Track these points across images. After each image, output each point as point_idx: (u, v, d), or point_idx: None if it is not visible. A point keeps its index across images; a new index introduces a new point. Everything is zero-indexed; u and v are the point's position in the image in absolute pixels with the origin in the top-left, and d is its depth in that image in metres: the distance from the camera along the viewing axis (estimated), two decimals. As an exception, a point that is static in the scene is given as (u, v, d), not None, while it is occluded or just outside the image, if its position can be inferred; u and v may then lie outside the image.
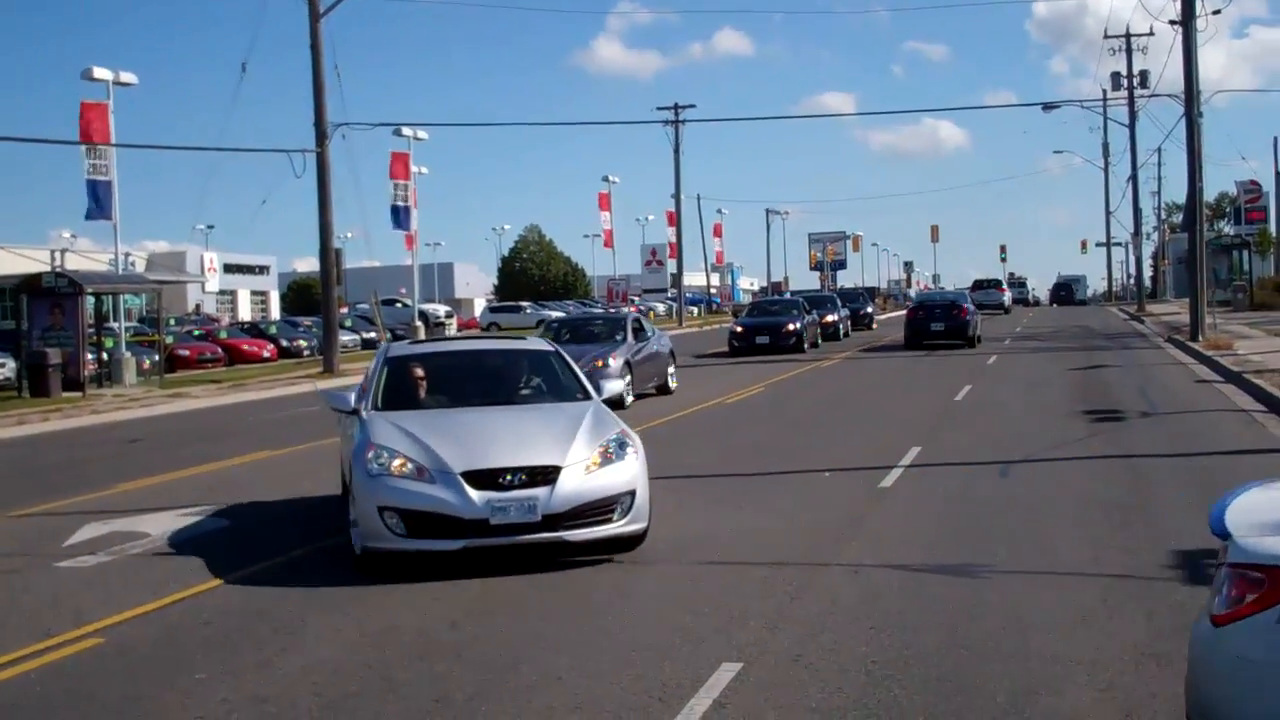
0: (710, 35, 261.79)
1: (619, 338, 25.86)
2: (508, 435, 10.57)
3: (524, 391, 12.45)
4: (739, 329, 41.96)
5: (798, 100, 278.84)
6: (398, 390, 11.94)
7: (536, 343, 13.87)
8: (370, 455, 10.20)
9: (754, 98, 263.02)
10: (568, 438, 10.44)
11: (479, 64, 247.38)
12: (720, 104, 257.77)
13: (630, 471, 10.37)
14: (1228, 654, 4.81)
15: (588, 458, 10.24)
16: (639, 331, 26.72)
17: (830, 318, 48.53)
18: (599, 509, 10.11)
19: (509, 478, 9.89)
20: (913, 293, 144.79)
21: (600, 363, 23.32)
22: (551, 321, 33.94)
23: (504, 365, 13.05)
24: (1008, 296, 79.90)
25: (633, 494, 10.28)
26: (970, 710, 6.54)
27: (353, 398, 12.09)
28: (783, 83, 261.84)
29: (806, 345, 40.83)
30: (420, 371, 12.28)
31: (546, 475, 9.95)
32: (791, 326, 40.74)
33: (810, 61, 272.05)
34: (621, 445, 10.57)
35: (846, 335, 50.43)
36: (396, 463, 10.08)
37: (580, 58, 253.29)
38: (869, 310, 62.18)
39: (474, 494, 9.76)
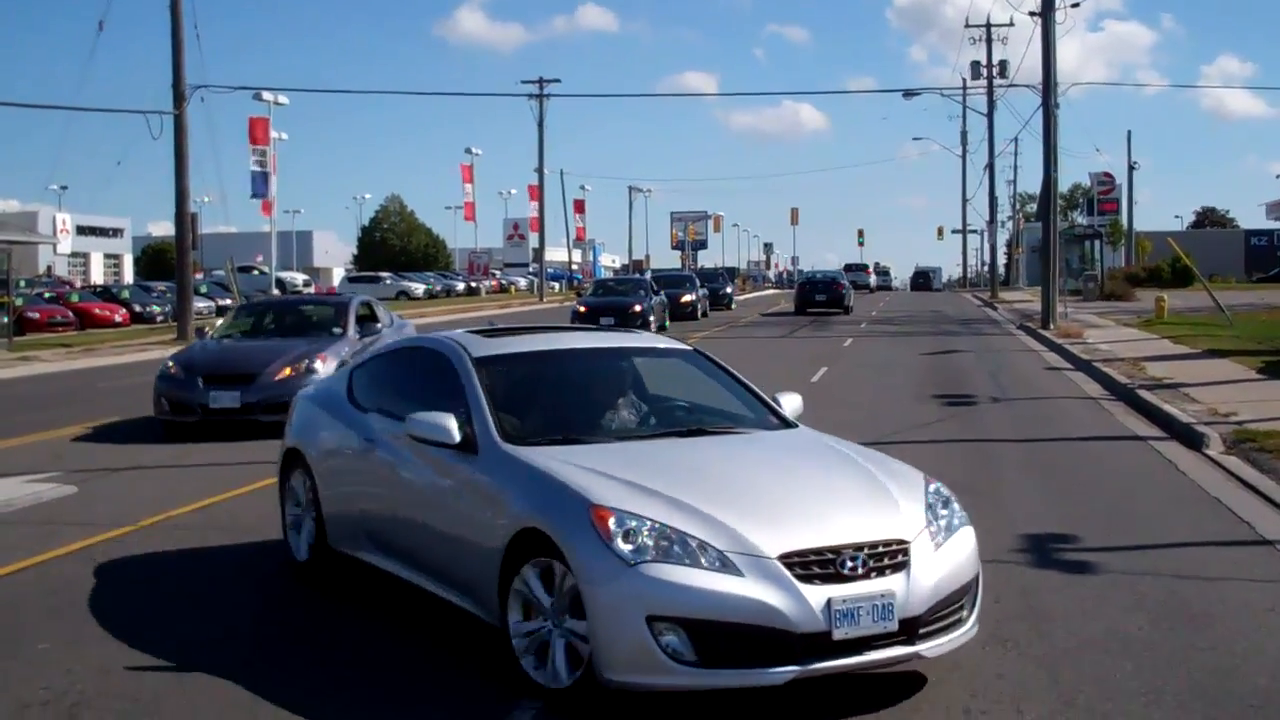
0: (574, 9, 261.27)
1: (337, 330, 19.20)
2: (787, 490, 6.82)
3: (701, 415, 8.35)
4: (581, 309, 40.23)
5: (660, 79, 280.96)
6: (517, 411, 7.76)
7: (656, 339, 9.53)
8: (613, 525, 6.18)
9: (617, 75, 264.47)
10: (881, 492, 6.92)
11: (341, 30, 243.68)
12: (584, 79, 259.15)
13: (971, 545, 6.92)
14: None
15: (924, 524, 6.69)
16: (366, 321, 19.98)
17: (686, 298, 48.36)
18: (952, 604, 6.62)
19: (852, 562, 6.24)
20: (771, 274, 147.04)
21: (304, 365, 17.09)
22: (251, 305, 24.62)
23: (638, 370, 8.70)
24: (873, 279, 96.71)
25: (978, 577, 6.93)
26: (804, 695, 6.67)
27: (451, 424, 7.36)
28: (645, 61, 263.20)
29: (654, 327, 37.34)
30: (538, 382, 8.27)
31: (895, 555, 6.40)
32: (637, 307, 39.42)
33: (673, 40, 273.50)
34: (947, 503, 7.11)
35: (704, 315, 50.60)
36: (662, 542, 6.15)
37: (443, 27, 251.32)
38: (728, 290, 62.87)
39: (807, 591, 6.07)
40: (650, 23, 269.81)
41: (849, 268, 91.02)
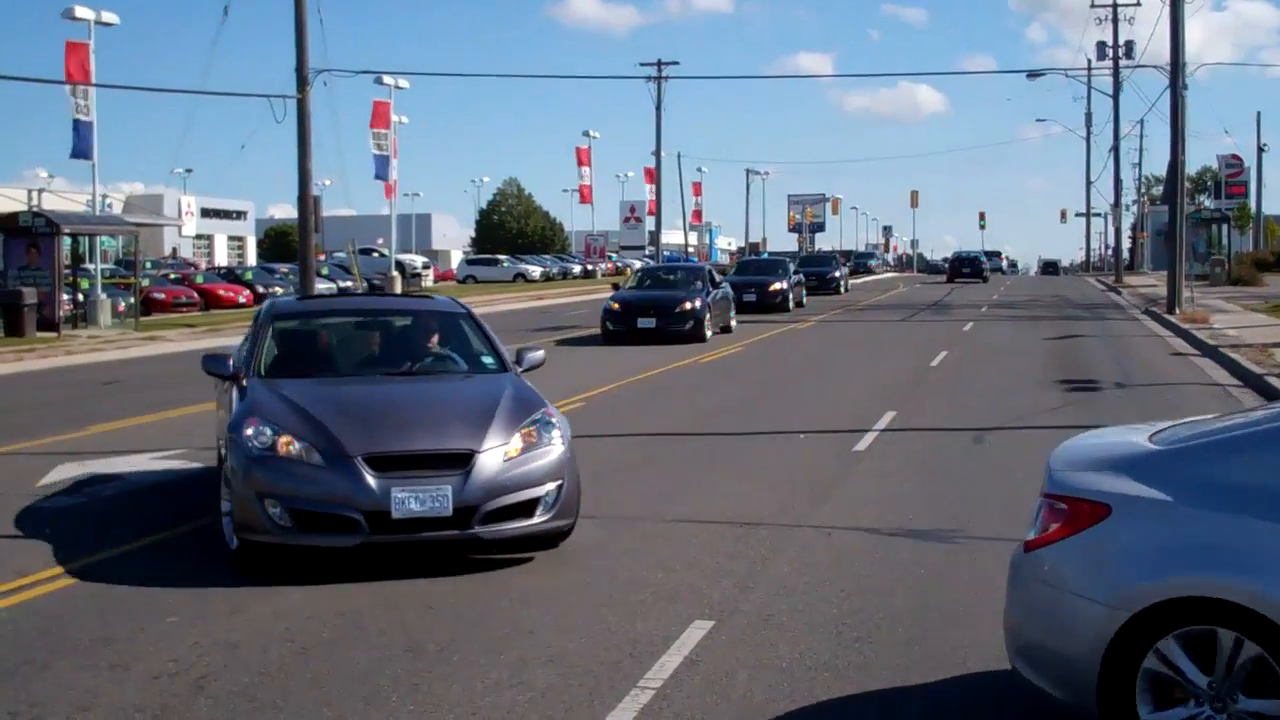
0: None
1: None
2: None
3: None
4: (615, 306, 30.18)
5: (773, 61, 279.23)
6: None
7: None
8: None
9: (730, 57, 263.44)
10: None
11: (457, 14, 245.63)
12: (698, 61, 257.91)
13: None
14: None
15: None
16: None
17: (776, 285, 40.95)
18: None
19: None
20: (890, 257, 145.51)
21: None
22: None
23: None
24: (1004, 264, 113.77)
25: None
26: (940, 675, 6.59)
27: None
28: (759, 42, 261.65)
29: (710, 331, 29.93)
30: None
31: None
32: (687, 305, 29.63)
33: (787, 21, 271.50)
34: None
35: (799, 305, 42.99)
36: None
37: (556, 9, 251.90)
38: (836, 275, 58.00)
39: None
40: (764, 3, 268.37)
41: (987, 254, 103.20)
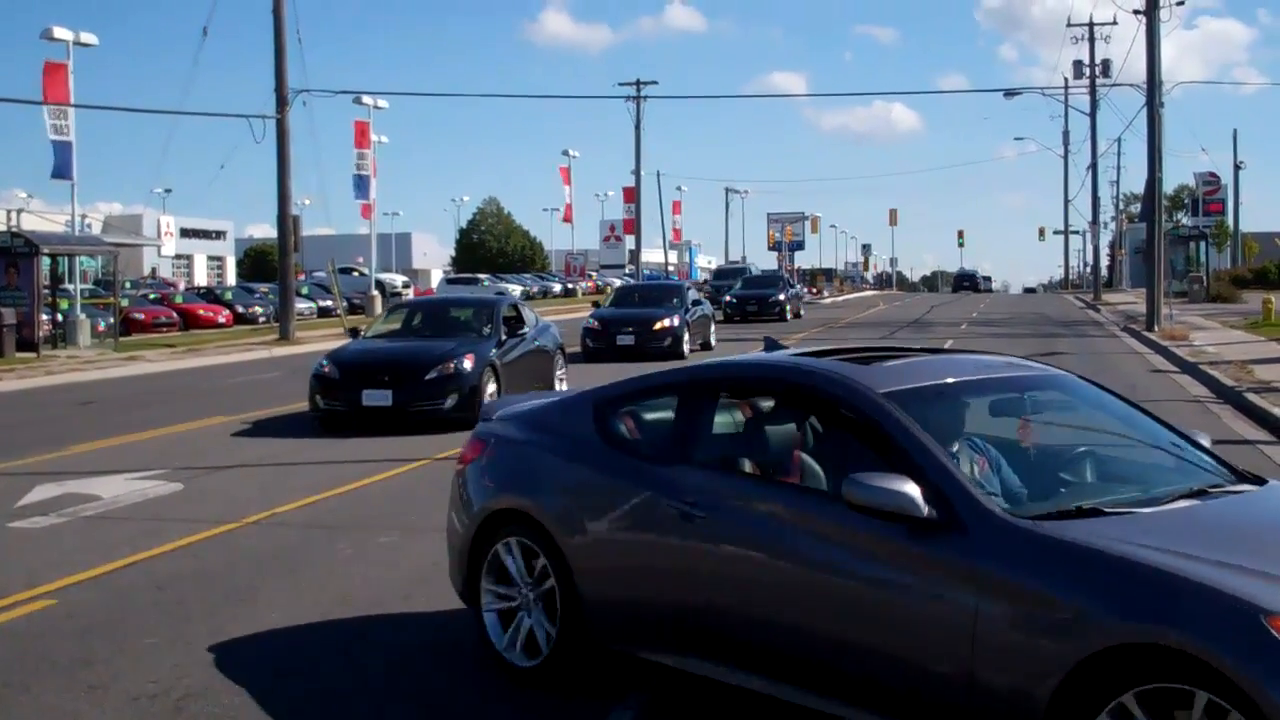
0: (660, 9, 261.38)
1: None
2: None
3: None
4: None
5: (747, 80, 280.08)
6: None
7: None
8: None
9: (705, 76, 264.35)
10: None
11: (434, 35, 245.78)
12: (672, 81, 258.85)
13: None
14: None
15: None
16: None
17: (662, 323, 29.76)
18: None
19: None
20: (869, 275, 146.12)
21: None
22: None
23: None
24: (983, 283, 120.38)
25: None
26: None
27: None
28: (733, 61, 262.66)
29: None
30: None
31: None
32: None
33: (760, 40, 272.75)
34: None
35: (706, 346, 32.28)
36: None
37: (529, 30, 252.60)
38: (779, 299, 48.76)
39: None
40: (737, 22, 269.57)
41: (965, 275, 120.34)
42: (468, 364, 17.54)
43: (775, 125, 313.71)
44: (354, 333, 20.21)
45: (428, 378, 17.20)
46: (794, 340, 32.72)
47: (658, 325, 29.48)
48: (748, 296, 49.71)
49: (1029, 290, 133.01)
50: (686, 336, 29.80)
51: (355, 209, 54.51)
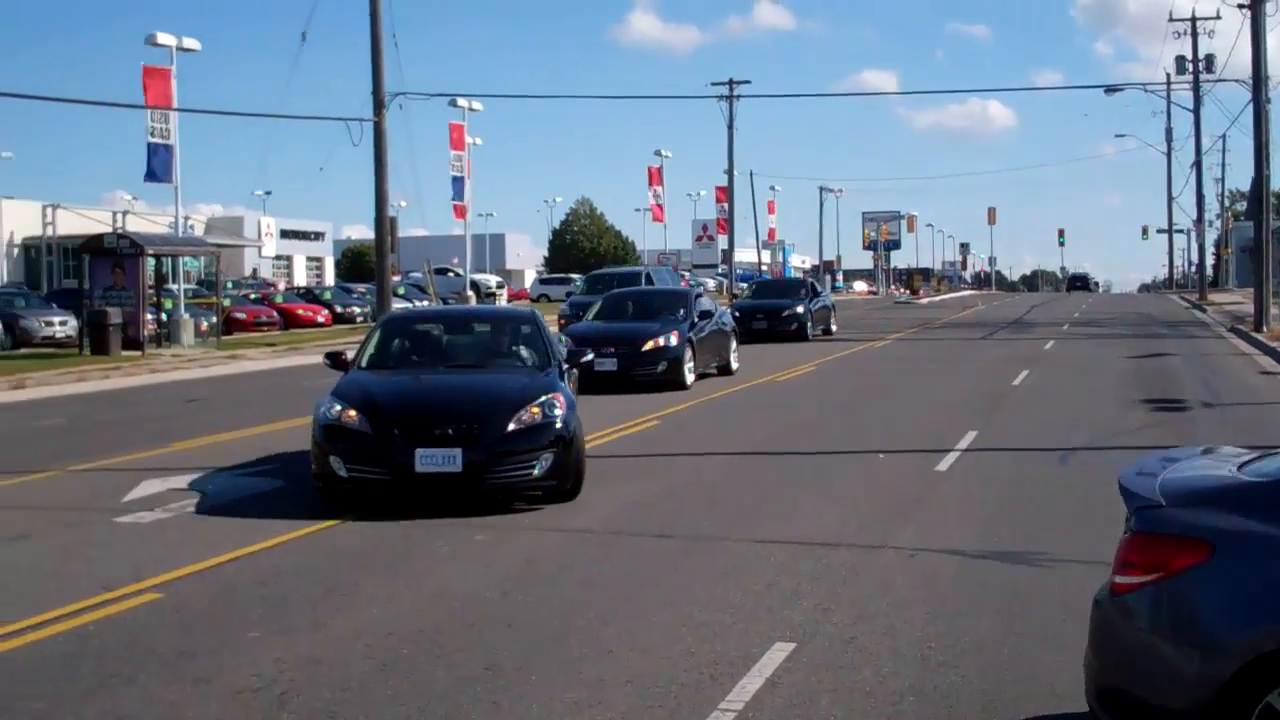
0: (749, 9, 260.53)
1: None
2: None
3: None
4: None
5: (838, 78, 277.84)
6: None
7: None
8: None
9: (795, 74, 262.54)
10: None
11: (524, 37, 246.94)
12: (762, 79, 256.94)
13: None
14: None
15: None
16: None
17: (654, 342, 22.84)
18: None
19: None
20: (968, 275, 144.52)
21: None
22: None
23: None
24: (1093, 285, 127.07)
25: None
26: (1028, 700, 6.46)
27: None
28: (823, 60, 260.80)
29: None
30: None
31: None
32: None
33: (850, 39, 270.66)
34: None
35: (685, 380, 22.80)
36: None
37: (614, 31, 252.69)
38: (798, 310, 36.59)
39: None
40: (827, 21, 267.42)
41: (1077, 277, 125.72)
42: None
43: (868, 124, 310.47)
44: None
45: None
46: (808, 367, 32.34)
47: (648, 345, 22.58)
48: (755, 309, 36.60)
49: (1144, 287, 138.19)
50: (689, 357, 22.85)
51: (450, 210, 54.76)
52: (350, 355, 13.52)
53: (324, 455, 11.31)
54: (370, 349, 13.15)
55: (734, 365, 25.44)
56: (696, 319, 23.92)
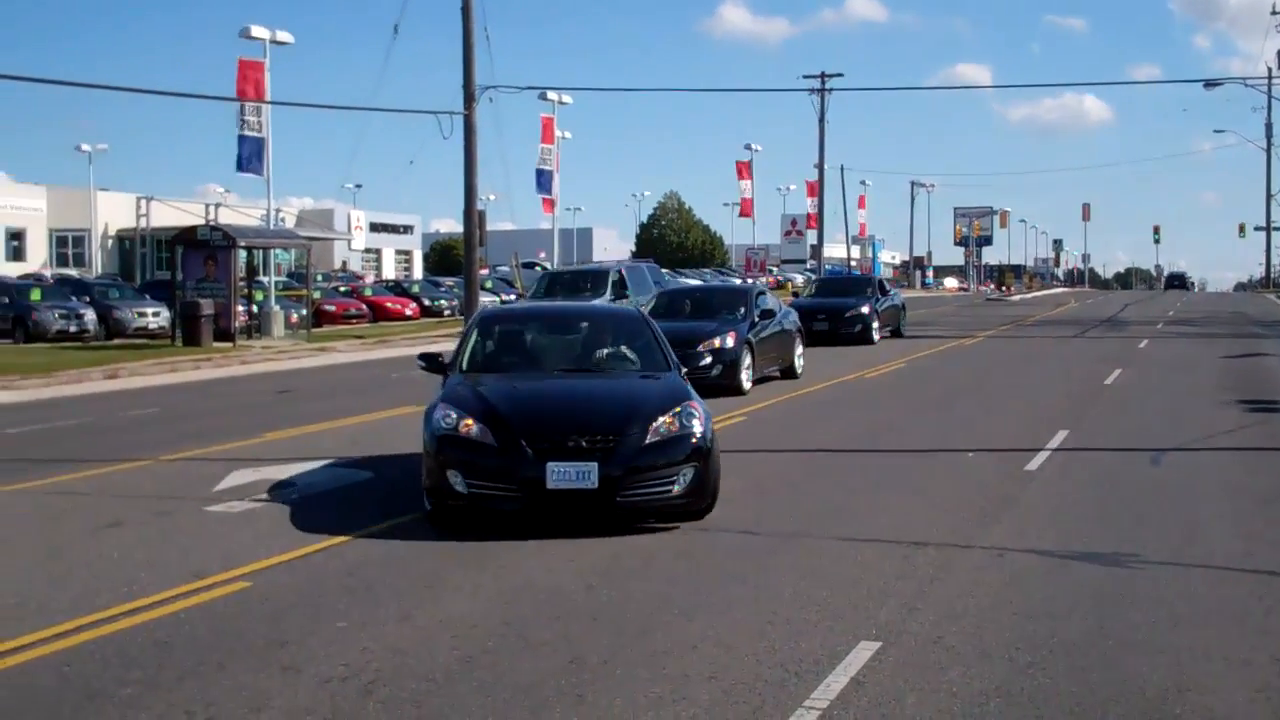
0: (841, 1, 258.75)
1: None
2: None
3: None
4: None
5: (931, 71, 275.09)
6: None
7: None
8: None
9: (887, 67, 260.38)
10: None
11: (612, 30, 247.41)
12: (854, 72, 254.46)
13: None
14: None
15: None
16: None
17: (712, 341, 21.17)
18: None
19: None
20: (1060, 272, 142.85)
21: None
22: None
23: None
24: (1190, 283, 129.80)
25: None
26: (1118, 703, 6.35)
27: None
28: (916, 53, 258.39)
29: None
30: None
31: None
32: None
33: (944, 31, 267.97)
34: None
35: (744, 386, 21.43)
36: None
37: (704, 24, 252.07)
38: (862, 311, 33.57)
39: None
40: (920, 13, 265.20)
41: (1175, 276, 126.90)
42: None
43: (961, 118, 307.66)
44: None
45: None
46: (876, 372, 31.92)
47: (701, 345, 20.73)
48: (817, 308, 33.27)
49: (1239, 285, 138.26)
50: (748, 361, 21.49)
51: (538, 204, 55.10)
52: (444, 356, 12.80)
53: (440, 468, 10.29)
54: (469, 349, 12.30)
55: (799, 368, 23.99)
56: (757, 318, 22.55)
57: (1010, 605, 8.09)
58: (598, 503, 10.04)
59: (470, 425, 10.38)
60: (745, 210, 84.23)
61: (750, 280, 48.38)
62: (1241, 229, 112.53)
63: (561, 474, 9.92)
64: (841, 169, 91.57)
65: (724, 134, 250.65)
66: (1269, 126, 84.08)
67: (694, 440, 10.40)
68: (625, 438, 10.18)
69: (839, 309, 33.27)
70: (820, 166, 73.19)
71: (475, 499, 10.19)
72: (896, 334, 35.89)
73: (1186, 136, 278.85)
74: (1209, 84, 60.20)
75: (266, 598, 8.42)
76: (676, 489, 10.21)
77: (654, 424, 10.36)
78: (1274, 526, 10.62)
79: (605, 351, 12.56)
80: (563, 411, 10.75)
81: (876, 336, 33.30)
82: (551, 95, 52.23)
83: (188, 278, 34.42)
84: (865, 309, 33.32)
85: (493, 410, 10.52)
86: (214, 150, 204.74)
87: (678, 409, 10.58)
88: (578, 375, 11.99)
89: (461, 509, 10.32)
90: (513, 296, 50.75)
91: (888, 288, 37.58)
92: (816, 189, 76.02)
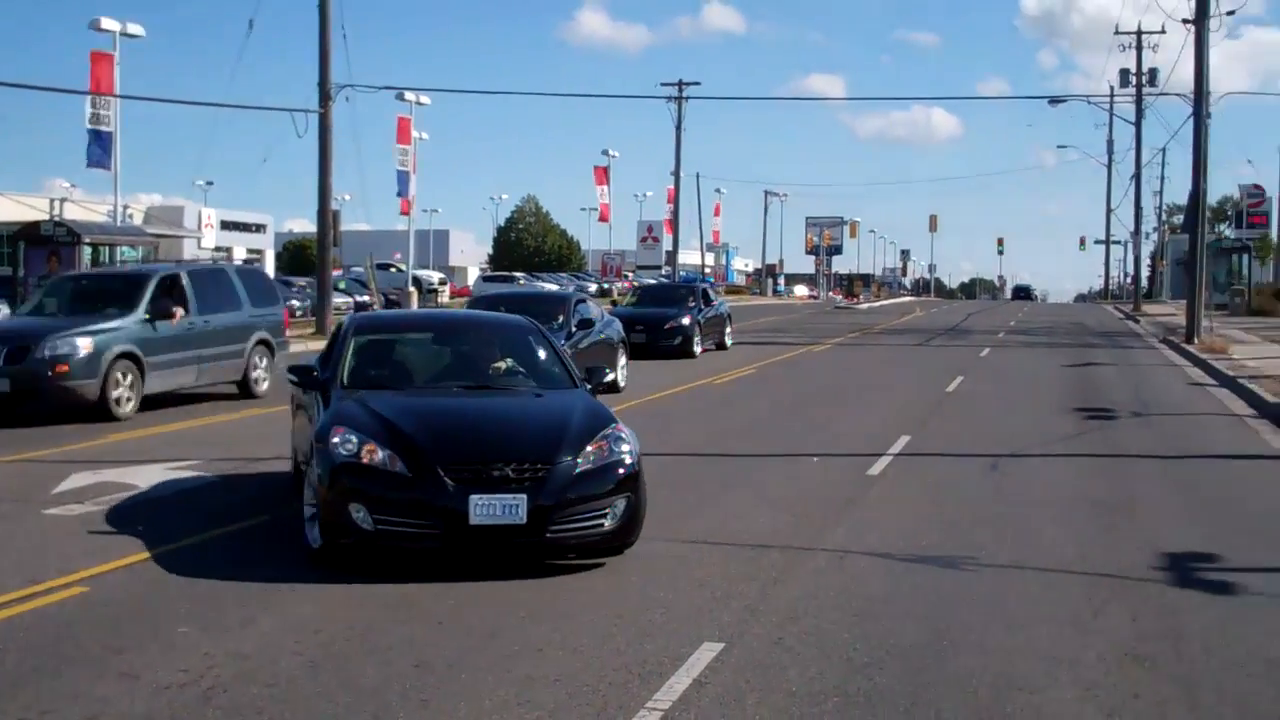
0: (699, 9, 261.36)
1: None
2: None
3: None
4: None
5: (785, 82, 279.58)
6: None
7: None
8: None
9: (743, 77, 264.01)
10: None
11: (472, 32, 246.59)
12: (711, 81, 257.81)
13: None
14: None
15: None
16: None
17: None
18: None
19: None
20: (907, 281, 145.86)
21: None
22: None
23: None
24: (1034, 294, 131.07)
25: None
26: (950, 703, 6.56)
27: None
28: (771, 64, 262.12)
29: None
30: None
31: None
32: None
33: (799, 43, 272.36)
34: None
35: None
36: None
37: (564, 30, 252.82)
38: (682, 323, 30.83)
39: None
40: (776, 25, 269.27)
41: (1021, 288, 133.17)
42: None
43: (814, 128, 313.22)
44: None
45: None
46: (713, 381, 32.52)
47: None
48: (634, 318, 30.08)
49: (1081, 298, 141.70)
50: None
51: (394, 205, 54.58)
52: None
53: (339, 501, 9.01)
54: (349, 361, 10.89)
55: (621, 382, 22.45)
56: (574, 328, 21.72)
57: (850, 606, 8.30)
58: (525, 539, 8.99)
59: (375, 451, 9.15)
60: (603, 216, 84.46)
61: (570, 288, 48.60)
62: (1082, 242, 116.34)
63: (486, 508, 8.83)
64: (698, 176, 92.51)
65: (583, 139, 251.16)
66: (1110, 143, 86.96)
67: (624, 468, 9.47)
68: (556, 466, 9.17)
69: (658, 320, 30.53)
70: (676, 173, 73.83)
71: (383, 536, 8.96)
72: (721, 347, 33.18)
73: (1031, 151, 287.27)
74: (1054, 100, 62.07)
75: (105, 604, 8.26)
76: (608, 524, 9.26)
77: (585, 449, 9.42)
78: (1106, 531, 11.03)
79: (504, 365, 11.40)
80: (483, 436, 9.54)
81: (699, 349, 30.70)
82: (409, 96, 51.72)
83: (29, 274, 33.36)
84: (686, 320, 30.79)
85: (400, 434, 9.30)
86: (61, 145, 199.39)
87: (606, 432, 9.66)
88: (481, 393, 10.74)
89: (363, 547, 9.07)
90: (366, 298, 50.21)
91: (712, 297, 35.08)
92: (673, 196, 76.60)
